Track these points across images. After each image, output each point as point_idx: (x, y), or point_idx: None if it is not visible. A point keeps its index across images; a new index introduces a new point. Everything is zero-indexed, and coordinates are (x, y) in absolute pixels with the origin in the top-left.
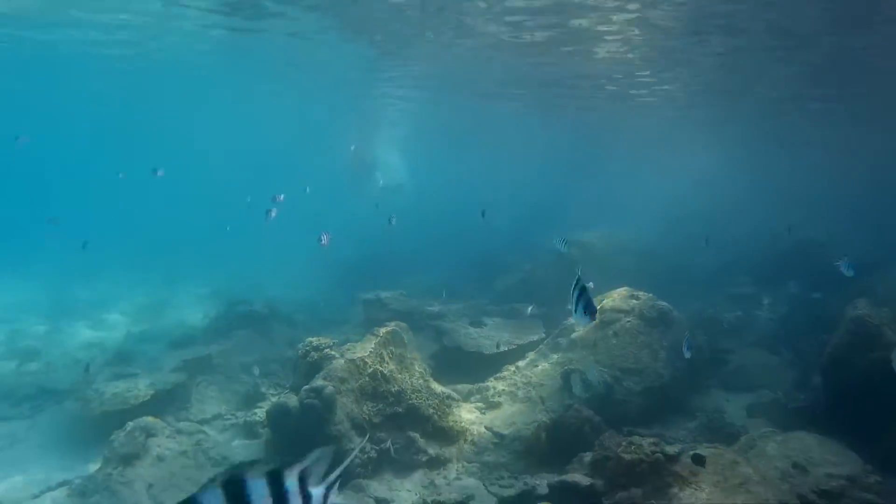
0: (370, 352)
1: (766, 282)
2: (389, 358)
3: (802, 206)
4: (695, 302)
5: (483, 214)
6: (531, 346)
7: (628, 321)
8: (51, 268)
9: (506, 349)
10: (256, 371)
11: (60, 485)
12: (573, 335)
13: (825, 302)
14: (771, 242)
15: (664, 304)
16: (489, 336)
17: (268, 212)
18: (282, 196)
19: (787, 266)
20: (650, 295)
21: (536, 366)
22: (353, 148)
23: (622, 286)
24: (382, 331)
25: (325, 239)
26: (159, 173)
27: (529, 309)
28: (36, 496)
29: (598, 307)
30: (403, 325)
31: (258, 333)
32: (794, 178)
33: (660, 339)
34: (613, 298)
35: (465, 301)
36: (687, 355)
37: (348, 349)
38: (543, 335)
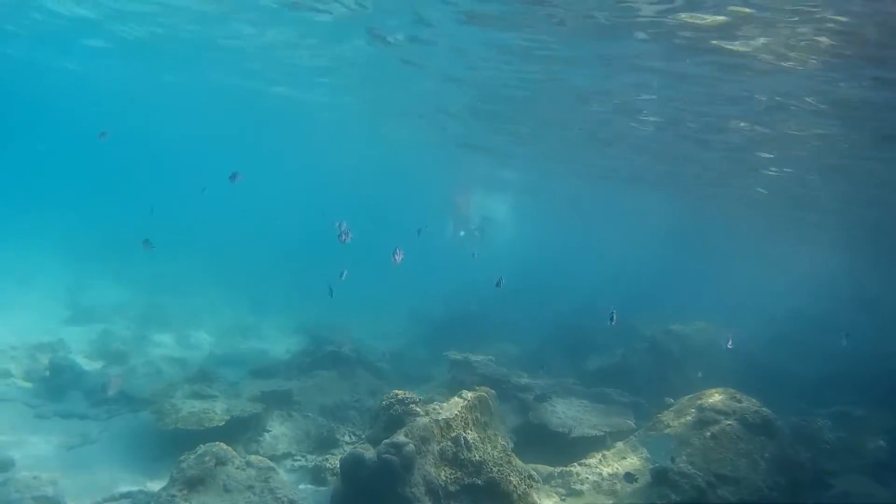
0: (456, 415)
1: (875, 403)
2: (474, 425)
3: None
4: (791, 415)
5: (612, 319)
6: (619, 436)
7: (729, 424)
8: (147, 275)
9: (589, 433)
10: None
11: (123, 496)
12: (667, 430)
13: None
14: (884, 359)
15: (769, 411)
16: (576, 418)
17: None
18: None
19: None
20: (753, 400)
21: (625, 457)
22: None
23: (718, 386)
24: (471, 395)
25: (398, 256)
26: (238, 178)
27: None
28: (97, 503)
29: (698, 404)
30: (492, 391)
31: (342, 377)
32: None
33: (761, 448)
34: (714, 398)
35: (554, 378)
36: None
37: (434, 409)
38: (633, 426)
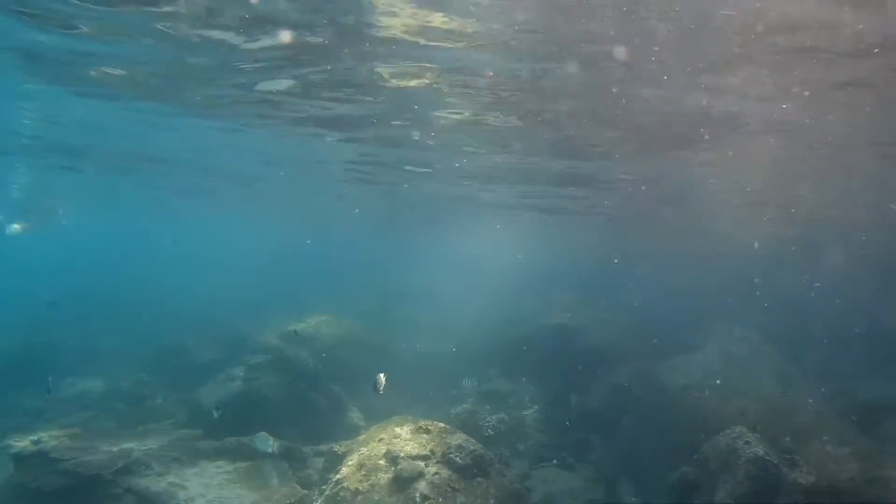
0: None
1: (516, 374)
2: None
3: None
4: (444, 405)
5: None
6: None
7: (435, 474)
8: None
9: None
10: None
11: None
12: (359, 501)
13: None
14: (507, 327)
15: (473, 444)
16: (221, 499)
17: None
18: None
19: (534, 353)
20: (443, 425)
21: None
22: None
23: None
24: None
25: None
26: None
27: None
28: None
29: (386, 452)
30: None
31: None
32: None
33: (484, 494)
34: (397, 436)
35: (165, 430)
36: None
37: None
38: (300, 490)
